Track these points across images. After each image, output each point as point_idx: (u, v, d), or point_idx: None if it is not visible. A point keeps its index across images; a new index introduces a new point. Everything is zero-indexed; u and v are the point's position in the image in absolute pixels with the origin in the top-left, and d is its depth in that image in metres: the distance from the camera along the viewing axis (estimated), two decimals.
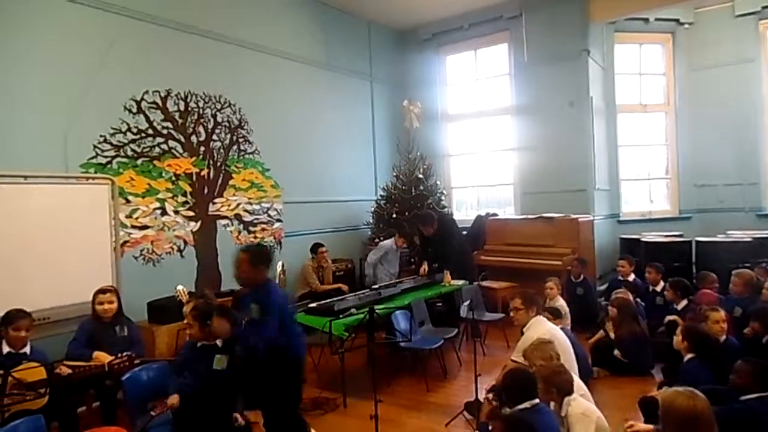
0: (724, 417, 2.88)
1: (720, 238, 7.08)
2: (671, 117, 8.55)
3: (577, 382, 3.30)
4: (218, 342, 3.47)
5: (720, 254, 6.66)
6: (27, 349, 3.53)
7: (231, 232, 6.36)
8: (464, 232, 8.03)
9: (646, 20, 8.24)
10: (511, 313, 4.12)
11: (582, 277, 6.52)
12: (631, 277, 6.24)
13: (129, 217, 5.29)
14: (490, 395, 3.40)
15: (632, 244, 7.55)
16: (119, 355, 3.67)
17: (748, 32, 7.92)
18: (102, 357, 3.74)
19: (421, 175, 7.69)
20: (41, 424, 2.85)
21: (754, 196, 7.89)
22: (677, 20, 8.31)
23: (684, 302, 5.12)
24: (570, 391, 2.92)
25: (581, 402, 2.92)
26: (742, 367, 3.02)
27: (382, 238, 7.43)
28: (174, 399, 3.22)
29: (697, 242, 7.13)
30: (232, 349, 3.47)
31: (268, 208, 6.84)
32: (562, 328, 4.29)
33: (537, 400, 2.77)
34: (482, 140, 9.06)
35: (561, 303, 5.43)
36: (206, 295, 4.10)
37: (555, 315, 4.63)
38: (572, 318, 5.51)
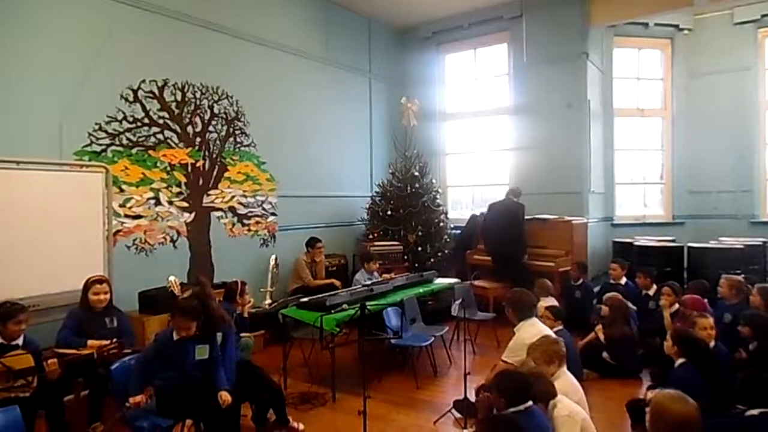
0: (723, 430, 2.89)
1: (712, 244, 7.12)
2: (668, 122, 8.59)
3: (575, 386, 3.31)
4: (198, 332, 3.43)
5: (711, 260, 6.71)
6: (20, 341, 3.45)
7: (225, 224, 6.35)
8: (458, 232, 8.07)
9: (646, 25, 8.26)
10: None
11: (581, 280, 6.53)
12: (623, 280, 6.26)
13: (122, 206, 5.27)
14: (489, 394, 3.37)
15: (625, 247, 7.59)
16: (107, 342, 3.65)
17: (747, 40, 7.96)
18: (96, 345, 3.71)
19: (417, 173, 7.67)
20: (17, 415, 2.83)
21: (747, 203, 7.94)
22: (677, 26, 8.34)
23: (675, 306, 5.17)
24: (548, 398, 2.92)
25: (567, 404, 2.92)
26: (742, 380, 3.01)
27: (376, 235, 7.43)
28: (139, 398, 3.14)
29: (689, 248, 7.18)
30: (210, 336, 3.46)
31: (263, 201, 6.83)
32: (560, 330, 4.30)
33: (530, 403, 2.76)
34: (479, 140, 9.07)
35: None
36: (202, 282, 4.05)
37: (555, 315, 4.59)
38: (567, 321, 5.50)
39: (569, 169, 7.63)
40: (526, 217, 7.10)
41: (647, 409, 2.50)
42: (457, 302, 5.16)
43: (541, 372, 3.08)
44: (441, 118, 9.24)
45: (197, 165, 6.04)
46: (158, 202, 5.62)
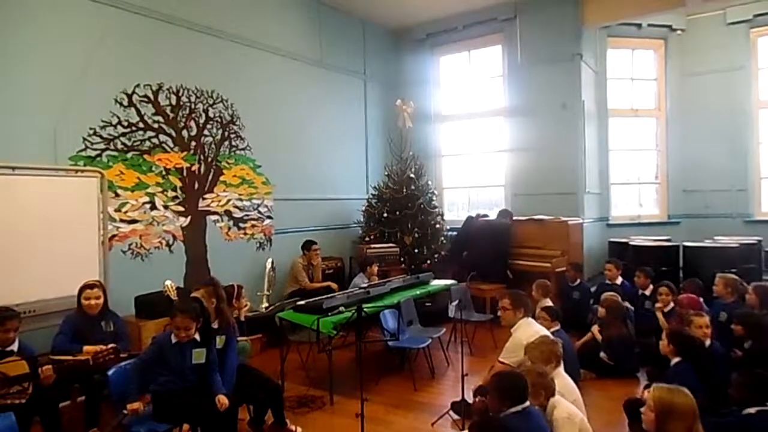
0: (721, 429, 2.89)
1: (707, 243, 7.15)
2: (662, 122, 8.62)
3: (571, 387, 3.32)
4: (197, 336, 3.43)
5: (707, 259, 6.73)
6: (14, 346, 3.43)
7: (221, 228, 6.33)
8: (454, 233, 8.07)
9: (639, 26, 8.30)
10: (499, 312, 4.17)
11: (578, 281, 6.54)
12: (619, 280, 6.28)
13: (118, 210, 5.25)
14: (484, 398, 3.38)
15: (621, 247, 7.61)
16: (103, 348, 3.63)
17: (739, 40, 8.01)
18: (92, 351, 3.69)
19: (412, 175, 7.68)
20: (12, 422, 2.81)
21: (742, 202, 7.98)
22: (670, 26, 8.38)
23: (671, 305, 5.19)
24: (548, 394, 2.93)
25: (565, 405, 2.93)
26: (738, 379, 3.02)
27: (372, 237, 7.44)
28: (136, 405, 3.13)
29: (685, 247, 7.21)
30: (208, 340, 3.45)
31: (259, 205, 6.82)
32: (557, 331, 4.31)
33: (527, 403, 2.76)
34: (474, 141, 9.08)
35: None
36: (215, 282, 4.02)
37: (552, 316, 4.59)
38: (565, 322, 5.52)
39: (564, 170, 7.65)
40: (518, 217, 7.44)
41: (642, 410, 2.50)
42: (454, 304, 5.16)
43: (543, 368, 3.08)
44: (436, 120, 9.24)
45: (192, 169, 6.03)
46: (154, 207, 5.60)
